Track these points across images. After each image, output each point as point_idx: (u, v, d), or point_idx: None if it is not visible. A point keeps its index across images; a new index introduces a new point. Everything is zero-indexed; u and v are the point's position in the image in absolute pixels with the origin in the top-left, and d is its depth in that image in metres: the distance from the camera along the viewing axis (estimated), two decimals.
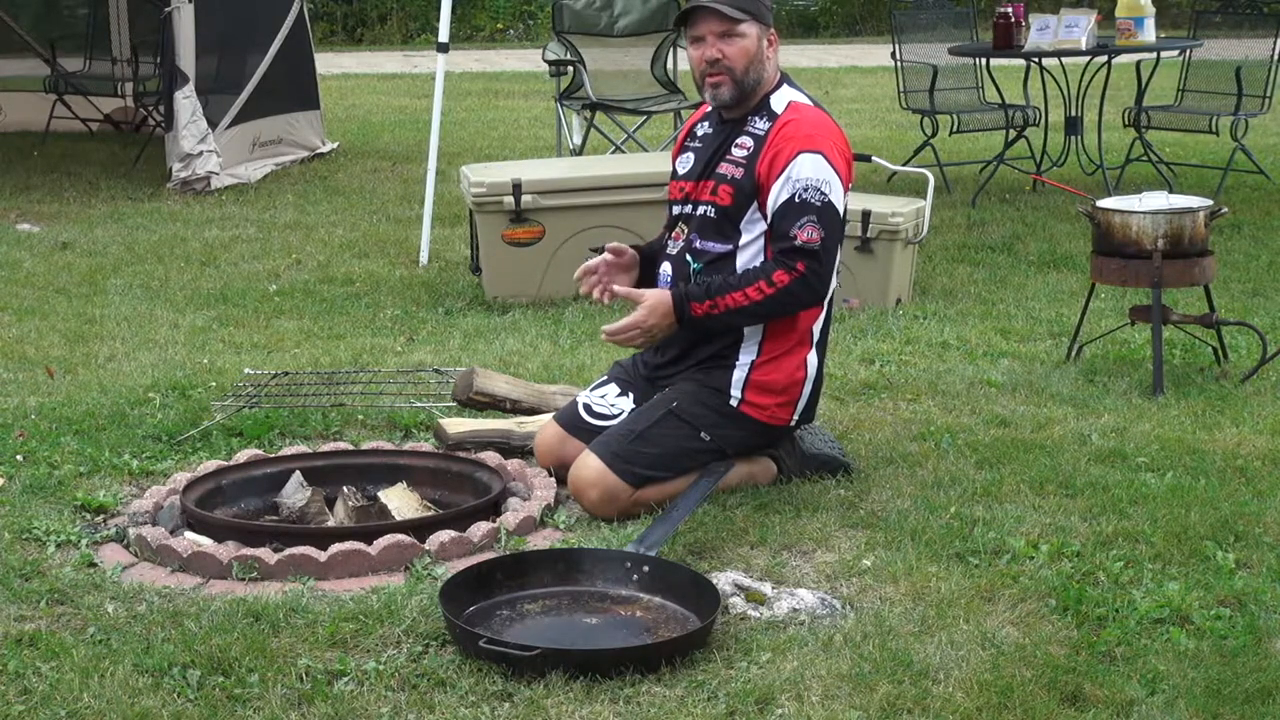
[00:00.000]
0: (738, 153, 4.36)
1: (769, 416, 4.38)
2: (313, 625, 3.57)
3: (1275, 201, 8.99)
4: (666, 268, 4.48)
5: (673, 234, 4.50)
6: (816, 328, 4.40)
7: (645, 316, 4.32)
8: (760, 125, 4.36)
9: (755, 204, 4.32)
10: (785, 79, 4.47)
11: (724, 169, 4.37)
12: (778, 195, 4.26)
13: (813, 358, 4.40)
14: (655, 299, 4.32)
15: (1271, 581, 3.78)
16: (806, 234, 4.22)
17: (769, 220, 4.29)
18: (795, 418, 4.42)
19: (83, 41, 12.48)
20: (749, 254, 4.34)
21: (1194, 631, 3.53)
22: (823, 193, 4.24)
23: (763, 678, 3.33)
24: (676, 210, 4.50)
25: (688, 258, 4.42)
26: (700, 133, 4.54)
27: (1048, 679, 3.30)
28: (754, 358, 4.35)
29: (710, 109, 4.55)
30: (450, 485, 4.50)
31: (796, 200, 4.23)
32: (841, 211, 4.31)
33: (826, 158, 4.27)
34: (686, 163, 4.51)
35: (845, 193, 4.34)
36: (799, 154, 4.26)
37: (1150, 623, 3.57)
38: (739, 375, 4.36)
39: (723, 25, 4.35)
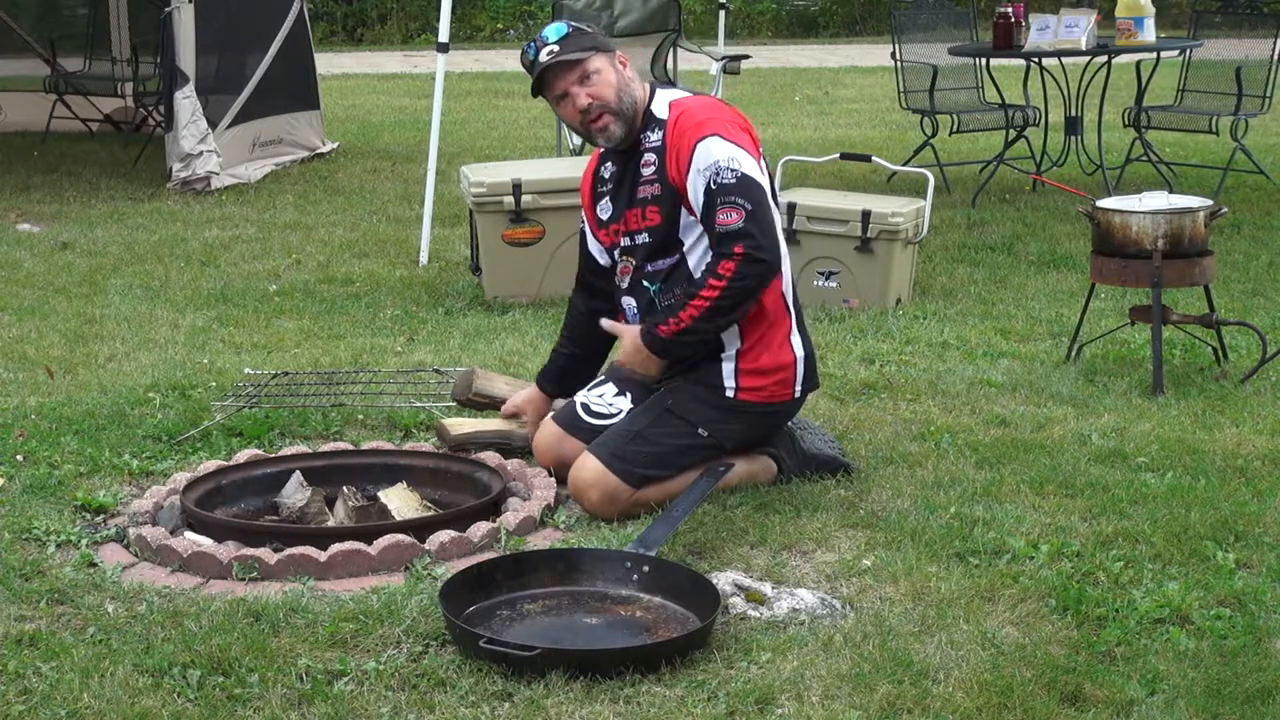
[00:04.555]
0: (646, 171, 4.35)
1: (769, 396, 4.38)
2: (313, 625, 3.58)
3: (1275, 201, 8.99)
4: (630, 301, 4.48)
5: (620, 269, 4.49)
6: (788, 299, 4.39)
7: (624, 361, 4.38)
8: (655, 137, 4.35)
9: (684, 209, 4.31)
10: (656, 85, 4.47)
11: (642, 192, 4.36)
12: (695, 190, 4.26)
13: (796, 336, 4.40)
14: (628, 341, 4.37)
15: (1271, 581, 3.78)
16: (726, 215, 4.20)
17: (699, 217, 4.30)
18: (797, 390, 4.42)
19: (83, 41, 12.48)
20: (697, 254, 4.34)
21: (1194, 631, 3.53)
22: (733, 169, 4.21)
23: (763, 678, 3.33)
24: (617, 252, 4.49)
25: (644, 283, 4.43)
26: (606, 174, 4.51)
27: (1048, 679, 3.30)
28: (739, 346, 4.35)
29: (604, 150, 4.54)
30: (450, 485, 4.50)
31: (713, 186, 4.22)
32: (760, 178, 4.27)
33: (723, 136, 4.25)
34: (607, 209, 4.49)
35: (758, 159, 4.30)
36: (697, 144, 4.25)
37: (1150, 623, 3.57)
38: (729, 366, 4.36)
39: (575, 71, 4.34)
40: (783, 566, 3.92)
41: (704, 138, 4.24)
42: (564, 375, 4.68)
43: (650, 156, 4.35)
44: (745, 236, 4.19)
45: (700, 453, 4.35)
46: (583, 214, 4.64)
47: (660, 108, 4.38)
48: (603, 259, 4.57)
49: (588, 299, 4.64)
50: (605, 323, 4.46)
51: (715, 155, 4.23)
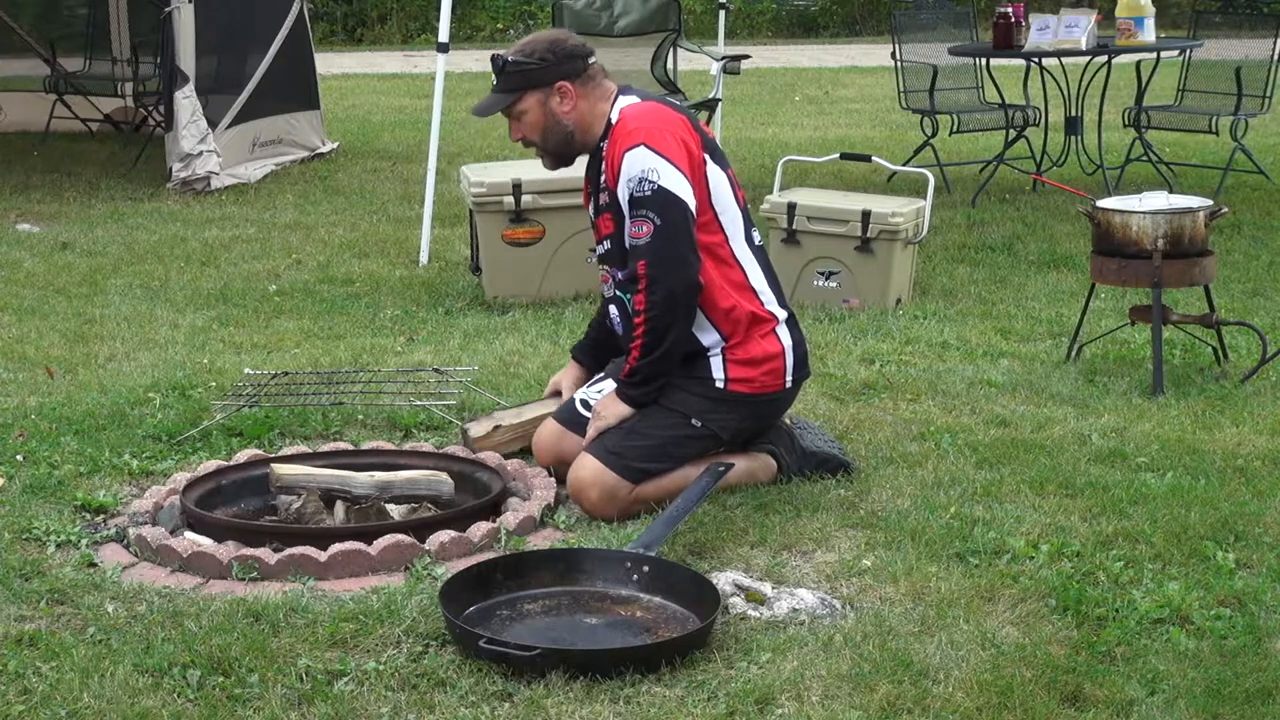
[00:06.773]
0: (602, 179, 4.37)
1: (760, 387, 4.38)
2: (313, 625, 3.58)
3: (1275, 201, 8.99)
4: (613, 310, 4.49)
5: (601, 277, 4.50)
6: (762, 299, 4.37)
7: (597, 413, 4.37)
8: (606, 146, 4.36)
9: (625, 218, 4.31)
10: (622, 91, 4.42)
11: (601, 199, 4.38)
12: (623, 201, 4.27)
13: (781, 328, 4.40)
14: (606, 398, 4.40)
15: (1271, 581, 3.78)
16: (636, 229, 4.22)
17: None
18: (789, 380, 4.42)
19: (83, 41, 12.48)
20: None
21: (1194, 631, 3.53)
22: (651, 181, 4.20)
23: (763, 678, 3.33)
24: (596, 258, 4.51)
25: (618, 293, 4.43)
26: (591, 175, 4.50)
27: (1048, 679, 3.30)
28: (723, 342, 4.36)
29: None
30: None
31: (634, 197, 4.23)
32: (679, 190, 4.22)
33: (648, 145, 4.23)
34: (592, 210, 4.50)
35: (686, 170, 4.25)
36: (623, 155, 4.25)
37: (1150, 623, 3.57)
38: (716, 360, 4.36)
39: (505, 106, 4.37)
40: (783, 566, 3.92)
41: (632, 147, 4.24)
42: (595, 346, 4.69)
43: (604, 164, 4.36)
44: (646, 254, 4.20)
45: (696, 443, 4.35)
46: None
47: (614, 115, 4.36)
48: None
49: None
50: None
51: (639, 165, 4.21)
